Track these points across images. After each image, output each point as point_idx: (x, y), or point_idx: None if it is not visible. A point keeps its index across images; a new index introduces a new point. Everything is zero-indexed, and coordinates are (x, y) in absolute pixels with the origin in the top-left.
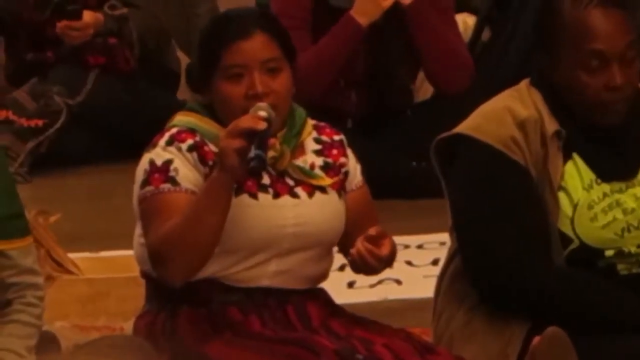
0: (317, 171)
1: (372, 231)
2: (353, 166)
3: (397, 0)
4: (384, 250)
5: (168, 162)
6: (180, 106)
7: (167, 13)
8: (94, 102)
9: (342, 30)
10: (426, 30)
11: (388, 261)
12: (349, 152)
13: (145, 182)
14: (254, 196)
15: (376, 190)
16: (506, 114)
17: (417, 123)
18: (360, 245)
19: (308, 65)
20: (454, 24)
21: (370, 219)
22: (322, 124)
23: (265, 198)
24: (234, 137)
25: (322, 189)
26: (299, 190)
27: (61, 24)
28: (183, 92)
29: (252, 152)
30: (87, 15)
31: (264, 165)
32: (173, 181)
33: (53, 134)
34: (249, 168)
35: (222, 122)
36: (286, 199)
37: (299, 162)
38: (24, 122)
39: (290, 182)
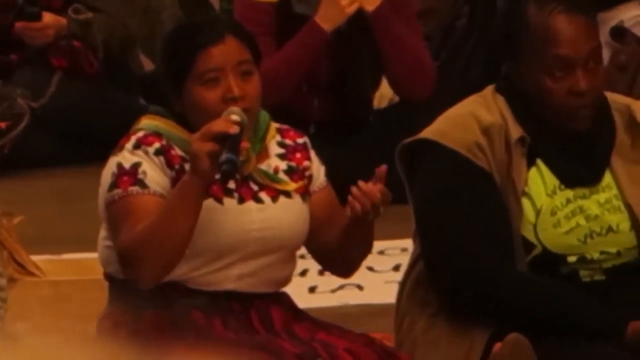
0: (281, 175)
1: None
2: (316, 168)
3: (361, 7)
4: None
5: (136, 165)
6: (144, 109)
7: (131, 18)
8: (58, 104)
9: (306, 36)
10: (390, 37)
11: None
12: (312, 154)
13: (114, 185)
14: (219, 200)
15: (338, 196)
16: (471, 120)
17: (379, 129)
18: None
19: (272, 70)
20: (418, 31)
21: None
22: (286, 126)
23: (230, 203)
24: (206, 141)
25: (287, 194)
26: (262, 195)
27: (19, 24)
28: None
29: (224, 156)
30: (49, 17)
31: (236, 169)
32: (142, 184)
33: (16, 136)
34: (220, 171)
35: (194, 127)
36: (250, 204)
37: (263, 166)
38: None
39: (254, 187)
